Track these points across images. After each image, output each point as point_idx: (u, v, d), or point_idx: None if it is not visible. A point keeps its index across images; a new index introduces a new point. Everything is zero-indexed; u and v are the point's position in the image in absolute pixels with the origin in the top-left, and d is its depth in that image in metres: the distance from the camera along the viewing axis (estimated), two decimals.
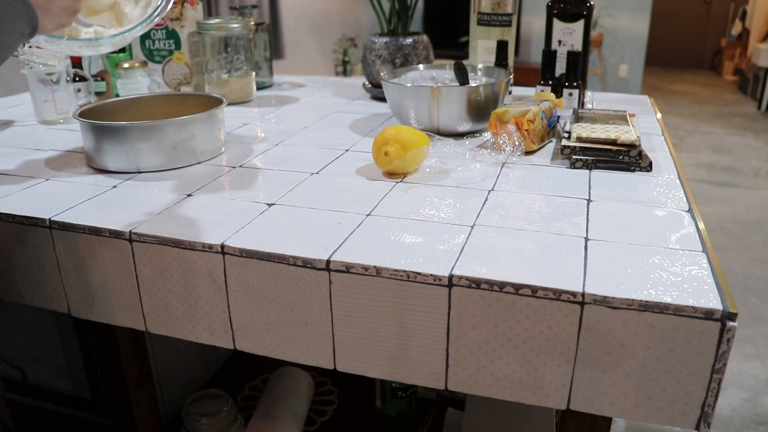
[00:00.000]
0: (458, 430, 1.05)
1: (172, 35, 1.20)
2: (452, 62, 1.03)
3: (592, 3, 1.11)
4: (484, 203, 0.69)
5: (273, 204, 0.70)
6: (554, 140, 0.94)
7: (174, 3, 1.18)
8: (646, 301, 0.49)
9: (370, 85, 1.28)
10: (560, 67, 1.13)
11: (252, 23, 1.25)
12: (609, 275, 0.53)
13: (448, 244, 0.59)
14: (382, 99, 1.25)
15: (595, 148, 0.80)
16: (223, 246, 0.60)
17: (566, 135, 0.86)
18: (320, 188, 0.75)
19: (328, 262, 0.57)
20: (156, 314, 0.66)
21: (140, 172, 0.81)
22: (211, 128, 0.86)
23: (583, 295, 0.50)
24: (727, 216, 2.90)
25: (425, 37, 1.24)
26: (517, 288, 0.52)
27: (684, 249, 0.58)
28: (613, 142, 0.80)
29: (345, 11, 5.24)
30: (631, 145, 0.79)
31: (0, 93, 1.39)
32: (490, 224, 0.63)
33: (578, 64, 1.08)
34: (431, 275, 0.54)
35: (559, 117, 0.97)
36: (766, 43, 5.42)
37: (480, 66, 1.09)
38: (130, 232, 0.63)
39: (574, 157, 0.81)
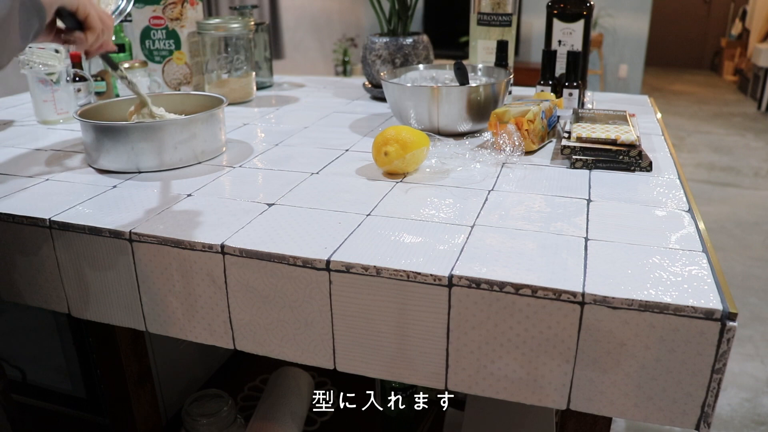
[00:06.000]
0: (458, 430, 1.05)
1: (172, 35, 1.20)
2: (452, 62, 1.03)
3: (592, 3, 1.11)
4: (484, 203, 0.69)
5: (273, 204, 0.70)
6: (554, 140, 0.94)
7: (174, 3, 1.18)
8: (646, 301, 0.49)
9: (370, 85, 1.28)
10: (560, 67, 1.13)
11: (252, 23, 1.25)
12: (609, 275, 0.53)
13: (448, 244, 0.59)
14: (382, 99, 1.25)
15: (595, 148, 0.80)
16: (223, 246, 0.60)
17: (566, 135, 0.86)
18: (320, 188, 0.75)
19: (328, 262, 0.57)
20: (156, 314, 0.66)
21: (140, 172, 0.81)
22: (211, 128, 0.86)
23: (583, 295, 0.50)
24: (727, 216, 2.90)
25: (425, 37, 1.24)
26: (517, 288, 0.52)
27: (684, 249, 0.58)
28: (613, 142, 0.80)
29: (345, 11, 5.24)
30: (631, 145, 0.79)
31: (0, 93, 1.39)
32: (490, 224, 0.63)
33: (578, 64, 1.08)
34: (431, 275, 0.54)
35: (559, 117, 0.97)
36: (766, 43, 5.42)
37: (480, 66, 1.09)
38: (130, 232, 0.63)
39: (574, 157, 0.81)
